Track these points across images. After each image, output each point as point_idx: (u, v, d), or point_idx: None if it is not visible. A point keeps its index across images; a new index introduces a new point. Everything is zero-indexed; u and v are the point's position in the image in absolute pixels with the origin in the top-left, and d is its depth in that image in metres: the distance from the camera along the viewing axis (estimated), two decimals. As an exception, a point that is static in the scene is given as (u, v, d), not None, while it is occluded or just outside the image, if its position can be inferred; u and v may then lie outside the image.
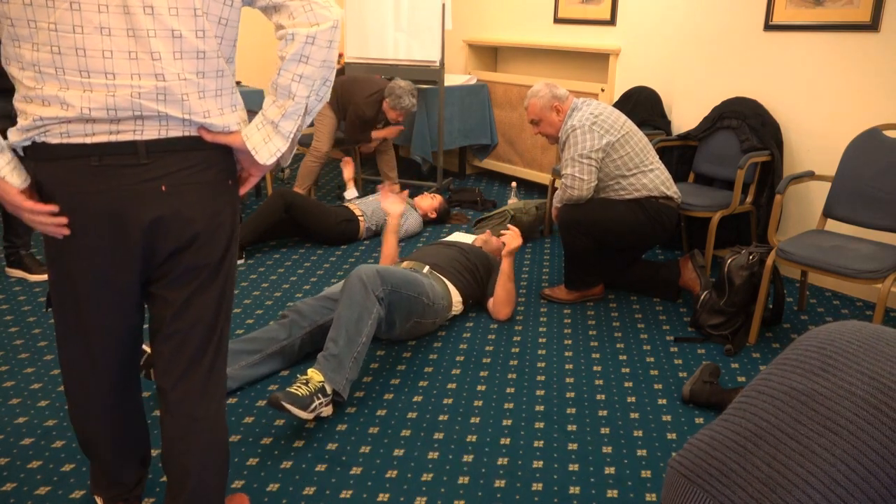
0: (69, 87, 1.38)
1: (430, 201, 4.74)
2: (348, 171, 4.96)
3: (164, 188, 1.47)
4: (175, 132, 1.46)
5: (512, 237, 3.28)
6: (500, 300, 3.32)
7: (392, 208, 3.70)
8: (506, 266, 3.31)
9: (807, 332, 1.33)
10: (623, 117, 3.46)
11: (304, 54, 1.47)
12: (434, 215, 4.75)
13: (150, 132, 1.44)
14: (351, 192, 4.81)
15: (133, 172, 1.44)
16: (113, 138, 1.41)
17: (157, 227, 1.50)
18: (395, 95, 4.76)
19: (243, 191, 1.63)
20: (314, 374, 2.44)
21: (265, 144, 1.52)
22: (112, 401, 1.75)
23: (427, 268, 3.23)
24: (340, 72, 6.19)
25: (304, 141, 5.42)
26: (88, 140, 1.41)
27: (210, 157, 1.53)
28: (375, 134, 5.01)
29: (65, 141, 1.40)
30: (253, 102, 5.32)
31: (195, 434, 1.68)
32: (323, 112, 4.99)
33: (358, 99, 4.85)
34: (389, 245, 3.58)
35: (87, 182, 1.43)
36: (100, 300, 1.57)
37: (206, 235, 1.56)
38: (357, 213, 4.43)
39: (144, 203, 1.47)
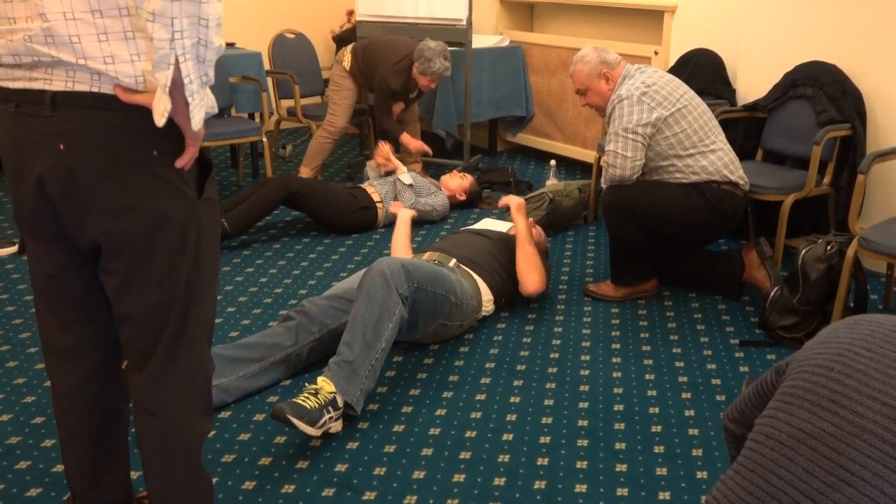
0: None
1: (459, 181, 4.67)
2: (385, 156, 4.63)
3: (62, 146, 1.50)
4: (82, 86, 1.47)
5: (510, 197, 3.42)
6: (522, 268, 3.27)
7: (401, 215, 3.71)
8: (520, 226, 3.31)
9: (813, 340, 1.29)
10: (683, 88, 3.43)
11: None
12: (463, 197, 4.67)
13: (59, 83, 1.48)
14: (406, 176, 4.50)
15: (39, 123, 1.51)
16: (28, 85, 1.50)
17: (44, 185, 1.54)
18: (425, 58, 4.64)
19: (180, 163, 1.58)
20: (325, 384, 2.41)
21: (157, 102, 1.47)
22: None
23: (454, 261, 3.20)
24: (351, 31, 6.15)
25: (315, 113, 5.37)
26: (10, 85, 1.52)
27: (125, 120, 1.49)
28: (395, 108, 4.93)
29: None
30: (247, 67, 5.30)
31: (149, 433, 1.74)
32: (339, 82, 4.93)
33: (383, 69, 4.73)
34: (400, 248, 3.53)
35: (8, 127, 1.55)
36: (33, 252, 1.71)
37: (110, 206, 1.55)
38: (376, 198, 4.36)
39: (38, 157, 1.53)
